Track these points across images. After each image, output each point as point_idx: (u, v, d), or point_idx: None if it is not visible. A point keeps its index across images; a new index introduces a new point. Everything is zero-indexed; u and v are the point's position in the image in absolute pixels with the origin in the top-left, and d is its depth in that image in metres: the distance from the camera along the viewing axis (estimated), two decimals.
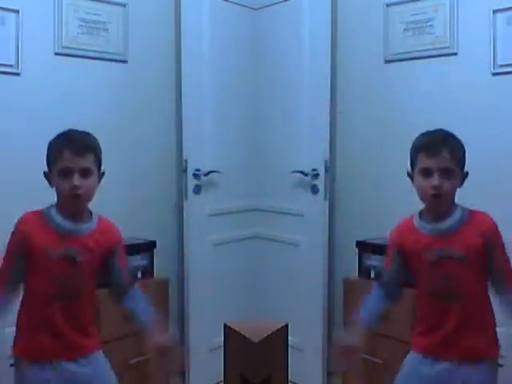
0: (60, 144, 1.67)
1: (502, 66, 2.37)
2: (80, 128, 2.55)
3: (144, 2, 2.86)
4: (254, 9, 3.15)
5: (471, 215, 1.70)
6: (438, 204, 1.68)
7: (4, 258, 1.68)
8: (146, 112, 2.89)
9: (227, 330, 1.18)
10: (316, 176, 2.83)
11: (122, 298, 1.79)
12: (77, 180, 1.63)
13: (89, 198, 1.70)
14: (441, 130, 1.74)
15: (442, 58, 2.58)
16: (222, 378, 1.21)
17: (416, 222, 1.74)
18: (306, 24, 2.86)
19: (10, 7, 2.36)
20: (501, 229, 2.39)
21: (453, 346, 1.67)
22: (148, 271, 2.62)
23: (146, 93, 2.89)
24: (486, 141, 2.43)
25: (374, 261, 2.56)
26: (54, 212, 1.69)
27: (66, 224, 1.68)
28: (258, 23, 3.15)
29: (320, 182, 2.82)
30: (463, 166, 1.70)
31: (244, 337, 1.13)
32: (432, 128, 1.78)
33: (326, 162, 2.81)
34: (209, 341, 2.82)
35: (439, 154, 1.64)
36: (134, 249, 2.55)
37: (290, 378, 1.23)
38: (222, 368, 1.20)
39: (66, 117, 2.56)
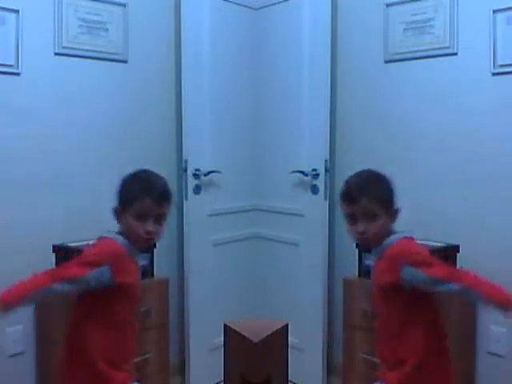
0: (141, 189, 1.72)
1: (502, 66, 2.37)
2: (80, 128, 2.55)
3: (144, 2, 2.86)
4: (254, 9, 3.15)
5: (387, 249, 1.75)
6: (367, 245, 1.81)
7: (81, 265, 1.66)
8: (146, 112, 2.89)
9: (227, 329, 1.18)
10: (316, 176, 2.83)
11: None
12: (151, 226, 1.72)
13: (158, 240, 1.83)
14: (364, 172, 1.80)
15: (442, 58, 2.57)
16: (222, 378, 1.21)
17: None
18: (306, 24, 2.86)
19: (10, 7, 2.36)
20: (499, 223, 2.39)
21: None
22: (148, 271, 2.62)
23: (146, 93, 2.89)
24: (486, 140, 2.44)
25: (373, 261, 2.56)
26: (131, 248, 1.75)
27: (140, 259, 1.85)
28: (257, 23, 3.15)
29: (320, 182, 2.82)
30: (389, 204, 1.74)
31: (244, 337, 1.13)
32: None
33: (326, 161, 2.81)
34: (209, 341, 2.82)
35: (359, 202, 1.70)
36: None
37: (289, 378, 1.23)
38: (222, 368, 1.20)
39: (66, 117, 2.57)
